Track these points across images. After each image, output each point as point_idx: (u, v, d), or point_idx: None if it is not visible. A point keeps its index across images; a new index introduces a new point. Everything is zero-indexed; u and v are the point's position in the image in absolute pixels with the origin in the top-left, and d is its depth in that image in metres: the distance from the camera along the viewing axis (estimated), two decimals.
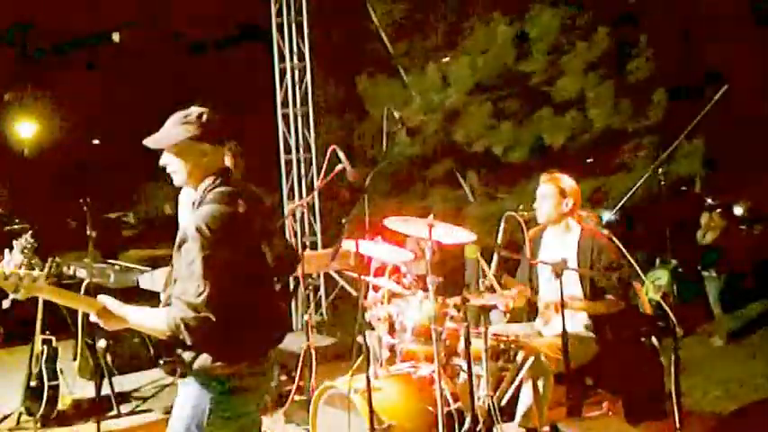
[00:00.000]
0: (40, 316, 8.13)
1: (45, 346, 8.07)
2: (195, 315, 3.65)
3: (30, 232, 6.26)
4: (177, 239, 3.84)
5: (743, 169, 13.80)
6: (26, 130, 32.07)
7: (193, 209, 3.90)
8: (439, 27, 13.05)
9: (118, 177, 25.27)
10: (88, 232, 7.32)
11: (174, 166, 4.01)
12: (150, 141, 3.99)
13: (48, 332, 8.16)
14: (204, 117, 4.00)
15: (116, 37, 33.88)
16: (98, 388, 7.66)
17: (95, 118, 30.67)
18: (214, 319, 3.65)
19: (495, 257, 5.88)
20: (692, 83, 12.90)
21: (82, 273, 8.72)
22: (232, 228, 3.76)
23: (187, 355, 3.87)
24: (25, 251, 5.82)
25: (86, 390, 8.53)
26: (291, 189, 10.67)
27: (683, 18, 12.75)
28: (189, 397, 3.95)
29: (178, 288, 3.75)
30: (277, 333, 4.16)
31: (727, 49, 12.85)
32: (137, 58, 28.43)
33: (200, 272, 3.65)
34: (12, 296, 3.78)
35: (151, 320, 3.87)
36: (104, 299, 3.94)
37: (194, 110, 4.02)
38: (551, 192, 6.36)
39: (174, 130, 3.98)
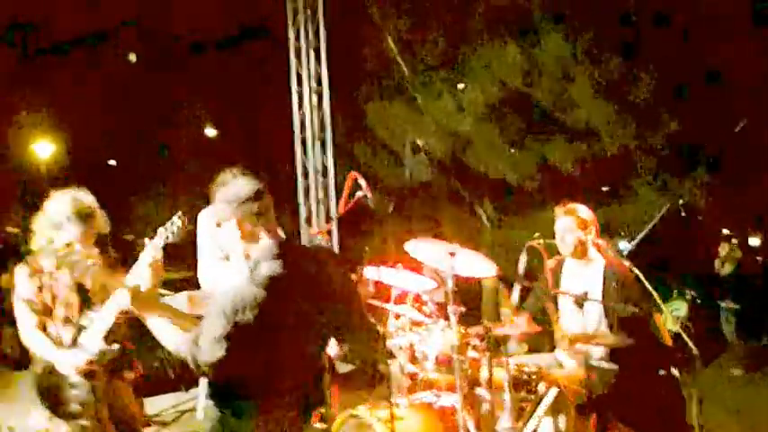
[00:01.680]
0: None
1: None
2: (197, 371, 3.73)
3: None
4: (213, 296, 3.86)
5: (744, 170, 13.59)
6: (43, 150, 32.18)
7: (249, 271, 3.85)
8: (440, 43, 13.05)
9: (132, 199, 25.30)
10: (109, 254, 7.29)
11: None
12: None
13: None
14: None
15: (132, 57, 34.05)
16: None
17: (111, 135, 30.80)
18: (211, 377, 3.77)
19: (517, 287, 5.83)
20: (695, 88, 12.78)
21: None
22: (261, 314, 3.69)
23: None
24: None
25: None
26: (309, 215, 10.64)
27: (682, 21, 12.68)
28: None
29: (198, 329, 3.77)
30: (303, 388, 4.08)
31: (729, 50, 12.72)
32: (147, 70, 28.56)
33: (215, 339, 3.66)
34: None
35: (172, 340, 3.90)
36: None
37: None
38: (571, 224, 6.28)
39: None
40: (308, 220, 10.63)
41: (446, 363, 5.87)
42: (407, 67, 12.92)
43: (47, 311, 5.15)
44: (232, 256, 3.97)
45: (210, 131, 32.83)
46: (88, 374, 4.95)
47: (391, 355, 6.00)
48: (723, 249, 11.71)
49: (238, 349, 3.69)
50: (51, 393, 5.04)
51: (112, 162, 32.57)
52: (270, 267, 3.78)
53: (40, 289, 5.14)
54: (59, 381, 5.02)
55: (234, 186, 3.95)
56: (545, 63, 12.07)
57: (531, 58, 12.11)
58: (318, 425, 6.97)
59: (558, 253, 6.42)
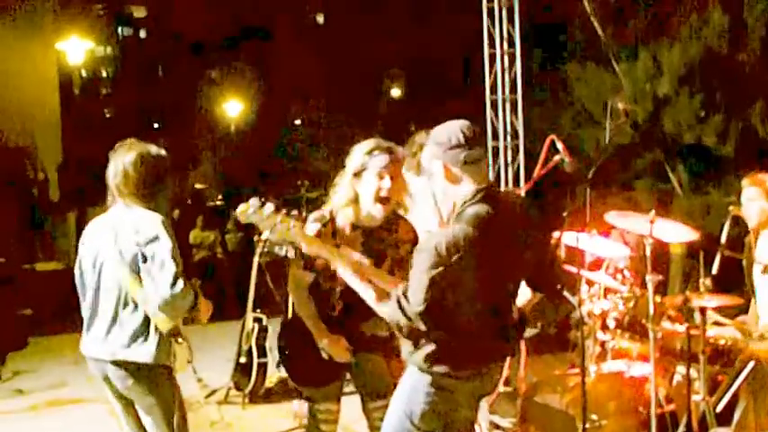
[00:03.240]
0: (251, 293, 8.34)
1: (256, 324, 8.27)
2: (407, 323, 3.73)
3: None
4: (420, 241, 3.93)
5: None
6: (233, 108, 33.13)
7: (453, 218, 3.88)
8: (650, 13, 12.75)
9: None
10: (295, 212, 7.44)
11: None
12: None
13: (259, 310, 8.37)
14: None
15: (320, 18, 34.67)
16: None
17: (300, 94, 31.39)
18: (425, 330, 3.73)
19: (718, 256, 5.61)
20: None
21: (292, 253, 8.84)
22: (472, 252, 3.69)
23: (407, 346, 3.94)
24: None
25: None
26: (498, 176, 10.58)
27: None
28: (407, 383, 4.02)
29: (405, 286, 3.78)
30: (502, 350, 4.12)
31: None
32: (340, 36, 28.91)
33: (426, 286, 3.68)
34: (264, 236, 4.13)
35: (373, 301, 3.99)
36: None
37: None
38: (756, 194, 6.02)
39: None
40: (497, 182, 10.57)
41: (639, 332, 5.76)
42: (603, 30, 12.62)
43: None
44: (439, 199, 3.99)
45: (396, 92, 33.10)
46: None
47: (583, 322, 5.91)
48: None
49: (452, 293, 3.72)
50: None
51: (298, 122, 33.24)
52: (477, 208, 3.79)
53: None
54: None
55: (447, 130, 3.95)
56: (751, 25, 11.63)
57: (738, 20, 11.69)
58: (504, 388, 6.98)
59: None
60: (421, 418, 3.93)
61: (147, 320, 4.42)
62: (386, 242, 4.78)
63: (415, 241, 4.58)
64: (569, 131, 12.58)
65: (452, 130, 3.91)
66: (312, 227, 4.68)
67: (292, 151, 29.33)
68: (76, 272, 4.69)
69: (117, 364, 4.44)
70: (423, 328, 3.72)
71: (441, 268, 3.66)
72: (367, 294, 4.01)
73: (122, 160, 4.58)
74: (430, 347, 3.84)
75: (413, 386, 3.97)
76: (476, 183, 3.87)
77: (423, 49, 25.88)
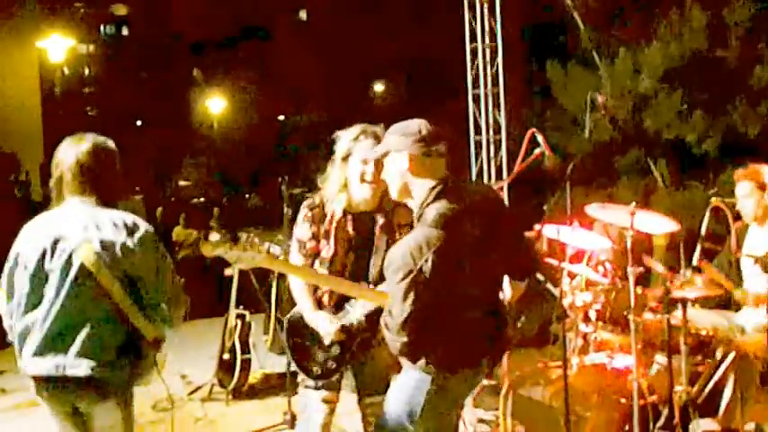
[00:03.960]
0: (234, 290, 8.34)
1: (239, 321, 8.27)
2: (391, 337, 3.81)
3: (216, 209, 6.45)
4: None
5: None
6: (216, 106, 33.10)
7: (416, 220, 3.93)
8: (632, 13, 12.81)
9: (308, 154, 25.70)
10: (285, 210, 7.45)
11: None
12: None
13: (241, 307, 8.37)
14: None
15: (303, 15, 34.69)
16: (289, 363, 7.79)
17: (284, 93, 31.38)
18: (409, 340, 3.77)
19: (699, 248, 5.66)
20: None
21: (276, 250, 8.85)
22: (439, 252, 3.70)
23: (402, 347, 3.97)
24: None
25: (276, 365, 8.71)
26: (480, 170, 10.59)
27: None
28: (408, 383, 4.04)
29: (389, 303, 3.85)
30: (493, 345, 4.13)
31: None
32: (324, 34, 28.90)
33: (401, 297, 3.72)
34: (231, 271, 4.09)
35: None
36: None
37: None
38: (750, 189, 6.07)
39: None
40: (479, 176, 10.58)
41: (621, 324, 5.79)
42: (585, 27, 12.68)
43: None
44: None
45: (379, 87, 33.13)
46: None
47: (565, 315, 5.94)
48: None
49: (433, 297, 3.73)
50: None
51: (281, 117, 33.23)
52: (438, 206, 3.81)
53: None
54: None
55: (413, 123, 3.99)
56: (731, 23, 11.71)
57: (718, 18, 11.77)
58: (487, 381, 7.00)
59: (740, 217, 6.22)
60: (421, 417, 3.96)
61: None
62: (380, 227, 4.79)
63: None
64: (551, 129, 12.64)
65: (419, 123, 3.97)
66: (275, 250, 4.77)
67: (285, 150, 29.38)
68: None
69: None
70: (404, 340, 3.76)
71: (411, 276, 3.68)
72: None
73: (75, 151, 4.14)
74: (429, 349, 3.86)
75: (414, 386, 3.98)
76: (437, 177, 3.91)
77: (423, 49, 25.90)
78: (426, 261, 3.66)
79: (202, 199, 25.20)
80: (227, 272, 8.17)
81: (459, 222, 3.78)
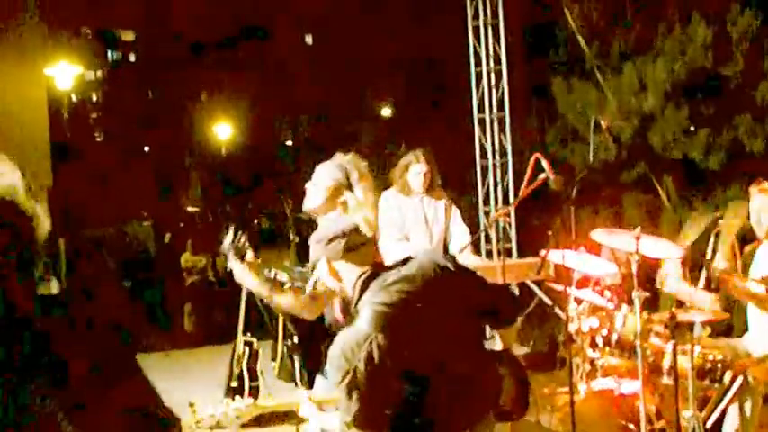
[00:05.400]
0: (242, 317, 8.33)
1: (246, 348, 8.26)
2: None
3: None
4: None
5: None
6: (223, 131, 33.24)
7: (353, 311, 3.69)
8: (635, 28, 12.83)
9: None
10: (291, 237, 7.44)
11: None
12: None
13: (249, 334, 8.36)
14: None
15: (309, 39, 34.83)
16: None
17: (289, 115, 31.51)
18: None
19: (704, 273, 5.66)
20: None
21: (283, 277, 8.82)
22: (376, 345, 3.43)
23: None
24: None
25: (285, 392, 8.67)
26: (487, 194, 10.63)
27: None
28: None
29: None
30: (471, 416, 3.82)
31: None
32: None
33: (344, 398, 3.47)
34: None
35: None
36: None
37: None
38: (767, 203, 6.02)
39: None
40: (486, 201, 10.62)
41: (628, 349, 5.78)
42: (588, 46, 12.72)
43: None
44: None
45: (386, 111, 33.19)
46: None
47: (571, 340, 5.93)
48: None
49: (379, 392, 3.50)
50: None
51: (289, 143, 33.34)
52: (371, 300, 3.58)
53: None
54: None
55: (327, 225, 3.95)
56: (736, 39, 11.73)
57: (722, 34, 11.79)
58: None
59: (747, 240, 6.18)
60: None
61: None
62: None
63: None
64: (556, 147, 12.67)
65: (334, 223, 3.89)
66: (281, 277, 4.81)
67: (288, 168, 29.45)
68: None
69: None
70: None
71: (348, 378, 3.43)
72: None
73: None
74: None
75: None
76: (361, 268, 3.67)
77: (422, 49, 25.84)
78: (359, 361, 3.41)
79: (210, 219, 25.30)
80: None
81: (395, 318, 3.52)
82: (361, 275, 3.62)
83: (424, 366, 3.59)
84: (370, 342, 3.42)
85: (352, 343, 3.45)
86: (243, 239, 4.48)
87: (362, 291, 3.60)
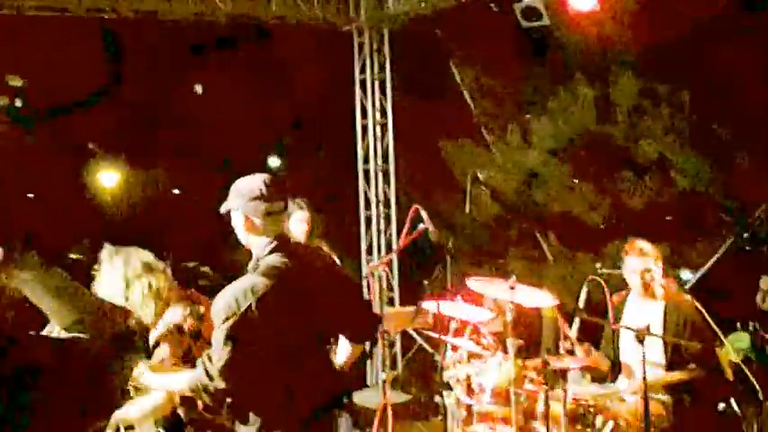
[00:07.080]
0: None
1: None
2: (211, 383, 3.76)
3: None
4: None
5: None
6: (109, 180, 32.60)
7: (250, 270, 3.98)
8: (522, 90, 13.09)
9: (199, 228, 25.47)
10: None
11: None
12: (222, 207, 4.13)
13: None
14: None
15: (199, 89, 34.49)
16: None
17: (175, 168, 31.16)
18: (226, 388, 3.76)
19: (577, 320, 5.82)
20: None
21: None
22: (264, 300, 3.76)
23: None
24: None
25: None
26: (370, 245, 10.70)
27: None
28: None
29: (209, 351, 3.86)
30: (319, 406, 4.03)
31: None
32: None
33: (221, 341, 3.74)
34: None
35: (177, 384, 4.13)
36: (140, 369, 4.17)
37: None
38: (639, 264, 6.23)
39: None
40: (369, 251, 10.69)
41: (503, 395, 5.88)
42: (473, 103, 12.93)
43: None
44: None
45: (274, 162, 33.06)
46: None
47: (447, 387, 6.02)
48: (764, 283, 11.22)
49: (252, 345, 3.76)
50: None
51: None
52: (271, 259, 3.91)
53: None
54: None
55: (249, 182, 4.06)
56: (617, 100, 12.06)
57: (605, 96, 12.10)
58: None
59: (621, 288, 6.39)
60: None
61: None
62: None
63: None
64: (443, 202, 12.81)
65: (255, 182, 4.03)
66: None
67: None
68: None
69: None
70: (223, 385, 3.73)
71: (232, 320, 3.71)
72: None
73: None
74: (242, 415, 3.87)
75: None
76: (273, 234, 3.99)
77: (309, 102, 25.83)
78: (249, 306, 3.72)
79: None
80: None
81: (287, 274, 3.87)
82: (270, 242, 3.96)
83: (297, 334, 3.89)
84: (263, 288, 3.77)
85: (246, 288, 3.78)
86: None
87: (269, 253, 3.94)
